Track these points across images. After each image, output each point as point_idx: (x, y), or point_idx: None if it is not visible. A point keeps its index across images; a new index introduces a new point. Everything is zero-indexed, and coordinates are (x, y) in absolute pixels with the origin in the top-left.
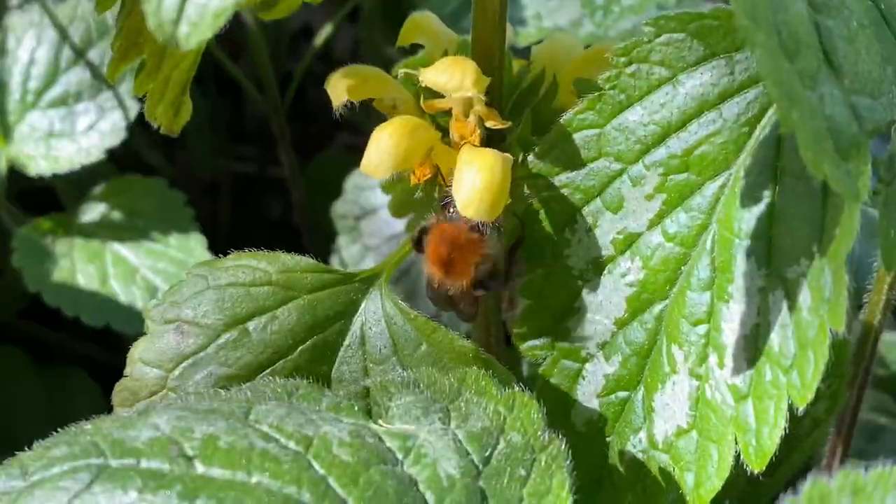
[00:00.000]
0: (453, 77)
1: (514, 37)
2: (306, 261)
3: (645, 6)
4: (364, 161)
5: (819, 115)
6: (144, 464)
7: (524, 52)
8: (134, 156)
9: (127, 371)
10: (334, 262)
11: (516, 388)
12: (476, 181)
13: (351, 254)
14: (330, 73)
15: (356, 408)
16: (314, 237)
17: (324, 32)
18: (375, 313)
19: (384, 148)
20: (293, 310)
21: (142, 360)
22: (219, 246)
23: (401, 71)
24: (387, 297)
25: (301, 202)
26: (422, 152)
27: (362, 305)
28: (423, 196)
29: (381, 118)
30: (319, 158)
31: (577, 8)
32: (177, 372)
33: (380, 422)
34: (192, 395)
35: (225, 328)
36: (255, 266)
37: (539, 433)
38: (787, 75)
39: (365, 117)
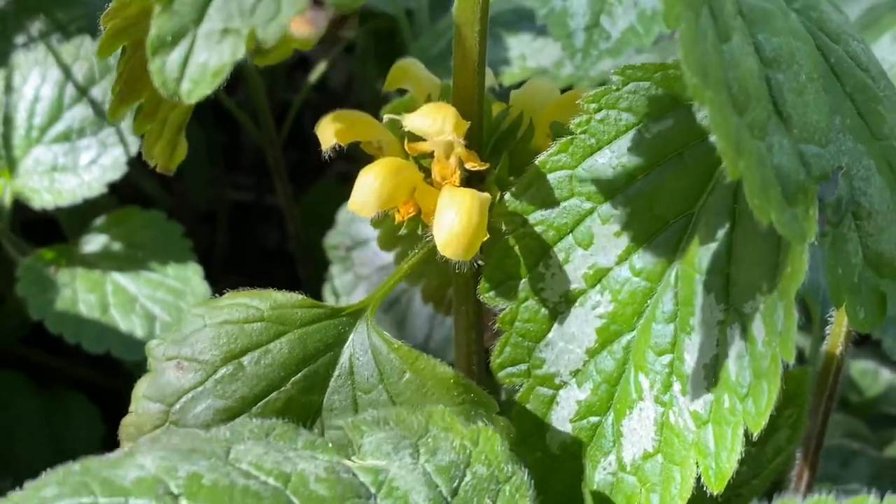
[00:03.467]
0: (434, 122)
1: (499, 77)
2: (297, 297)
3: (622, 49)
4: (351, 200)
5: (767, 164)
6: (133, 502)
7: (509, 91)
8: (133, 186)
9: (132, 407)
10: (327, 291)
11: (480, 424)
12: (454, 224)
13: (343, 283)
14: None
15: (330, 445)
16: (309, 266)
17: (319, 68)
18: (362, 345)
19: (369, 188)
20: (285, 343)
21: (145, 396)
22: (216, 273)
23: (386, 116)
24: (373, 329)
25: (296, 233)
26: (405, 192)
27: (350, 337)
28: (407, 233)
29: None
30: (314, 189)
31: (560, 49)
32: (178, 406)
33: (353, 458)
34: (175, 437)
35: (221, 363)
36: (248, 304)
37: (503, 465)
38: (735, 128)
39: (360, 147)
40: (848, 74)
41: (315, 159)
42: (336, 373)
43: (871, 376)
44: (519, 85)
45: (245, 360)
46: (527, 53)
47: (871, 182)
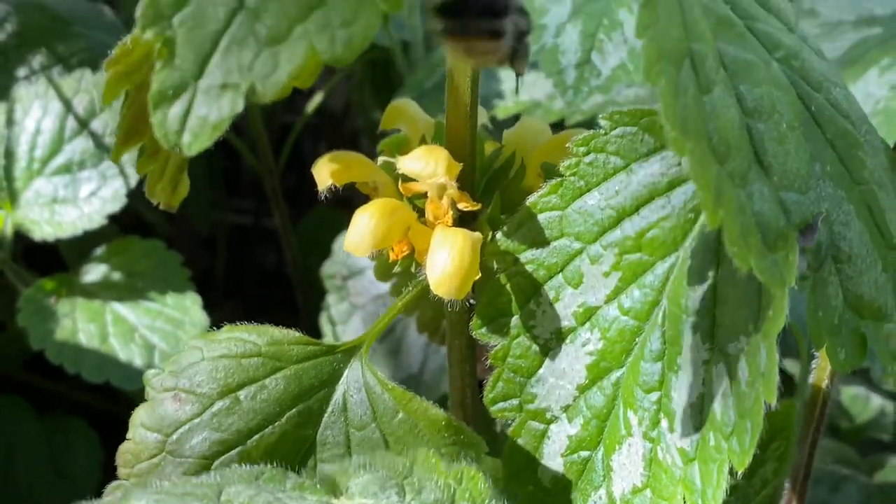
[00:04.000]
0: (427, 165)
1: (493, 109)
2: (293, 334)
3: (612, 86)
4: (346, 241)
5: (747, 211)
6: None
7: (504, 123)
8: (133, 212)
9: (129, 435)
10: (324, 319)
11: (465, 464)
12: (447, 264)
13: (339, 311)
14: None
15: (318, 486)
16: (306, 292)
17: (318, 96)
18: (356, 382)
19: (364, 229)
20: (281, 379)
21: (143, 426)
22: (215, 298)
23: (381, 158)
24: (367, 367)
25: (293, 261)
26: (399, 232)
27: (344, 375)
28: (400, 270)
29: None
30: (311, 214)
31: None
32: (175, 436)
33: (342, 498)
34: (165, 482)
35: (218, 396)
36: (245, 339)
37: (487, 502)
38: (716, 177)
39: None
40: (829, 122)
41: (314, 183)
42: (330, 409)
43: (862, 402)
44: (513, 120)
45: (241, 394)
46: (520, 87)
47: (850, 227)
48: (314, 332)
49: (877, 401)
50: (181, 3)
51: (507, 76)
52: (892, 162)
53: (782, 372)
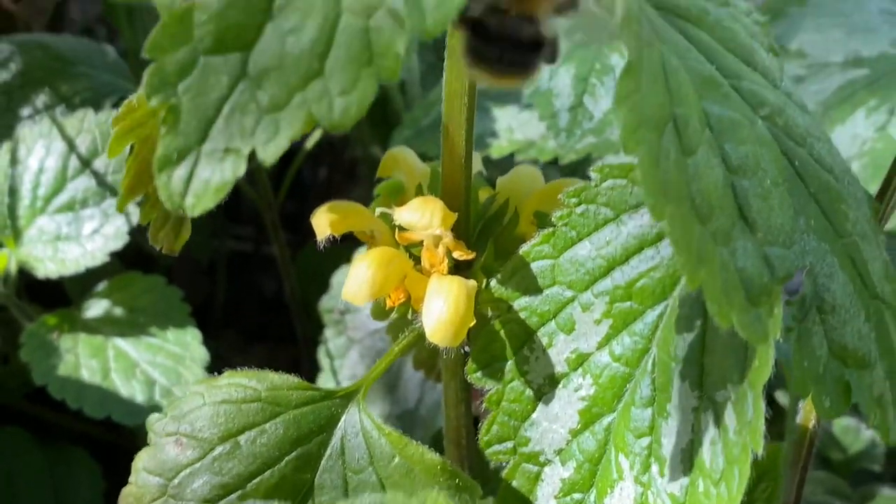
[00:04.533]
0: (423, 217)
1: (487, 149)
2: (292, 379)
3: (605, 129)
4: (344, 290)
5: (731, 269)
6: None
7: (497, 163)
8: (132, 241)
9: (132, 479)
10: (321, 353)
11: None
12: (442, 313)
13: (337, 345)
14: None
15: None
16: (305, 322)
17: (317, 133)
18: (354, 427)
19: (362, 279)
20: (280, 424)
21: (145, 469)
22: (215, 326)
23: (377, 210)
24: (364, 412)
25: (292, 292)
26: (396, 281)
27: (342, 419)
28: (396, 317)
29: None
30: (311, 246)
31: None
32: (176, 481)
33: None
34: None
35: (219, 441)
36: (245, 384)
37: None
38: (697, 239)
39: (359, 194)
40: (812, 176)
41: (312, 209)
42: (328, 453)
43: (853, 434)
44: (506, 161)
45: (242, 438)
46: (514, 126)
47: (834, 278)
48: (313, 361)
49: (868, 432)
50: (185, 71)
51: (501, 115)
52: (875, 212)
53: (775, 404)
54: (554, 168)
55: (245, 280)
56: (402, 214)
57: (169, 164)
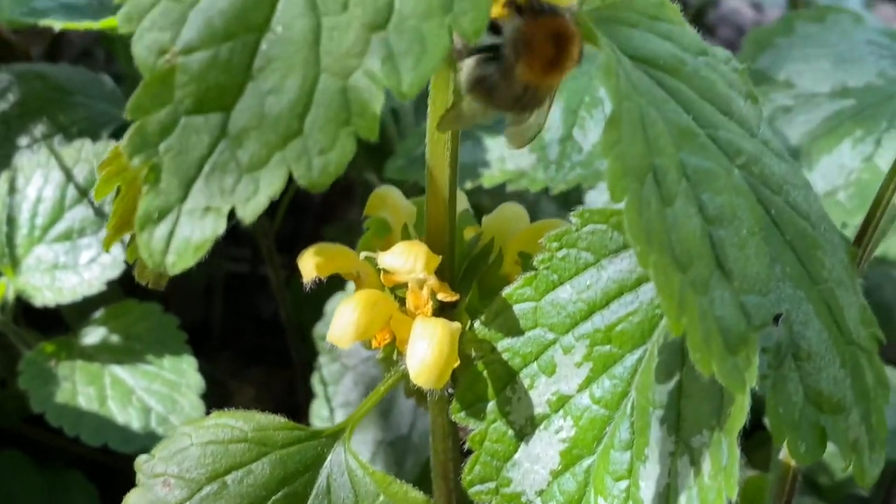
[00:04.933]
0: (407, 262)
1: (479, 179)
2: (278, 419)
3: (593, 161)
4: (329, 332)
5: (709, 317)
6: None
7: (488, 192)
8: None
9: None
10: (315, 379)
11: None
12: (426, 356)
13: (331, 372)
14: None
15: None
16: (300, 345)
17: None
18: (339, 466)
19: (347, 322)
20: (266, 464)
21: None
22: (212, 348)
23: (362, 254)
24: (349, 452)
25: (288, 315)
26: (381, 322)
27: (328, 459)
28: (382, 357)
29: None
30: None
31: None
32: None
33: None
34: None
35: (206, 481)
36: (232, 425)
37: None
38: (679, 287)
39: (356, 215)
40: (788, 224)
41: (308, 229)
42: (314, 492)
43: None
44: (497, 193)
45: (229, 478)
46: (506, 156)
47: (810, 325)
48: (308, 384)
49: None
50: (167, 130)
51: (493, 145)
52: (852, 256)
53: (762, 428)
54: (546, 195)
55: (242, 301)
56: (385, 259)
57: (150, 222)
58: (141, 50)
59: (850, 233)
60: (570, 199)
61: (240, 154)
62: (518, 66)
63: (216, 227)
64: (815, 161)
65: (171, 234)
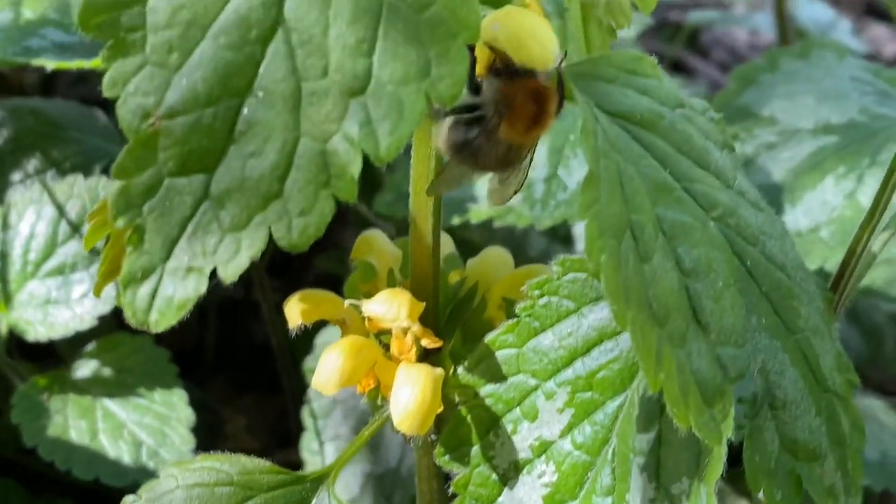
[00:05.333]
0: (390, 310)
1: (466, 214)
2: (263, 463)
3: (577, 200)
4: (315, 379)
5: (686, 371)
6: None
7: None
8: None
9: None
10: (305, 413)
11: None
12: (409, 402)
13: (321, 405)
14: None
15: None
16: (291, 373)
17: None
18: None
19: (332, 368)
20: None
21: None
22: (205, 373)
23: (346, 302)
24: (333, 497)
25: (279, 344)
26: (366, 368)
27: (312, 503)
28: (367, 402)
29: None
30: None
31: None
32: None
33: None
34: None
35: None
36: (218, 468)
37: None
38: (656, 342)
39: (350, 239)
40: (764, 275)
41: (300, 255)
42: None
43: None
44: (487, 226)
45: None
46: None
47: (785, 375)
48: (299, 412)
49: None
50: (150, 192)
51: (481, 180)
52: (828, 303)
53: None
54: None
55: (235, 326)
56: (369, 307)
57: (134, 281)
58: (125, 114)
59: (833, 269)
60: (558, 232)
61: (222, 215)
62: (502, 127)
63: (198, 286)
64: (798, 197)
65: (154, 293)
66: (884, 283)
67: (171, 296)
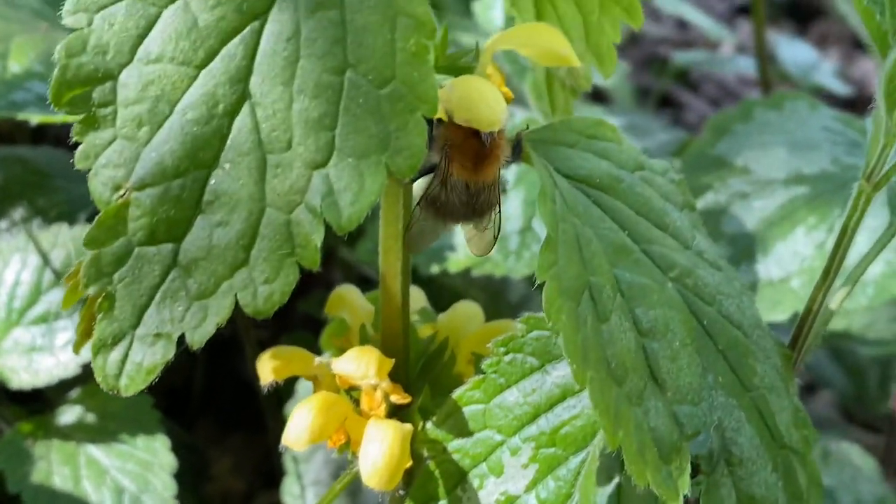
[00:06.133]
0: (359, 367)
1: (444, 263)
2: None
3: None
4: (285, 436)
5: (644, 428)
6: None
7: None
8: None
9: None
10: (287, 457)
11: None
12: (378, 458)
13: (303, 449)
14: None
15: None
16: (277, 414)
17: None
18: None
19: (302, 425)
20: None
21: None
22: (193, 412)
23: (316, 360)
24: None
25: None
26: (336, 424)
27: None
28: (338, 454)
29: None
30: (284, 339)
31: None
32: None
33: None
34: None
35: None
36: None
37: None
38: (614, 400)
39: (336, 276)
40: (720, 333)
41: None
42: None
43: None
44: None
45: None
46: None
47: (741, 432)
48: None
49: None
50: (121, 261)
51: (459, 228)
52: (786, 360)
53: None
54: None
55: (223, 364)
56: (338, 365)
57: (105, 347)
58: (97, 186)
59: None
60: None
61: (189, 283)
62: (453, 167)
63: (166, 352)
64: (770, 247)
65: (124, 359)
66: (861, 328)
67: (140, 361)
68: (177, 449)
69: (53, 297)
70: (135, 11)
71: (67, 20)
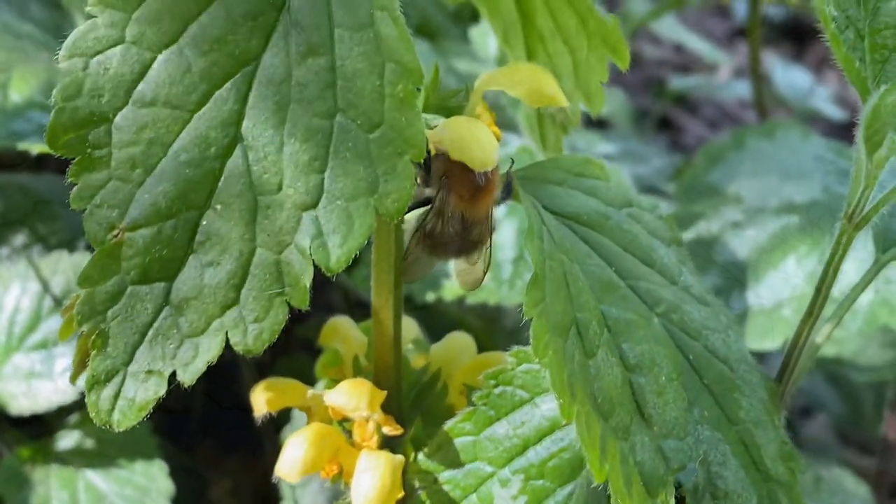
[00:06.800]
0: (351, 400)
1: (439, 290)
2: None
3: None
4: (277, 468)
5: (630, 463)
6: None
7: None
8: None
9: None
10: (284, 483)
11: None
12: (369, 490)
13: None
14: None
15: None
16: (273, 437)
17: None
18: None
19: (296, 458)
20: None
21: None
22: (193, 434)
23: (309, 392)
24: None
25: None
26: (329, 455)
27: None
28: (331, 483)
29: None
30: (282, 362)
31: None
32: None
33: None
34: None
35: None
36: None
37: None
38: (601, 435)
39: (336, 299)
40: (706, 368)
41: (292, 319)
42: None
43: None
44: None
45: None
46: None
47: (727, 465)
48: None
49: None
50: (114, 299)
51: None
52: (772, 393)
53: None
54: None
55: (222, 386)
56: (331, 398)
57: (98, 383)
58: (91, 226)
59: None
60: None
61: (181, 321)
62: (450, 198)
63: (158, 389)
64: (762, 275)
65: (116, 395)
66: (852, 354)
67: (132, 397)
68: (175, 472)
69: (53, 324)
70: (130, 57)
71: (63, 65)
